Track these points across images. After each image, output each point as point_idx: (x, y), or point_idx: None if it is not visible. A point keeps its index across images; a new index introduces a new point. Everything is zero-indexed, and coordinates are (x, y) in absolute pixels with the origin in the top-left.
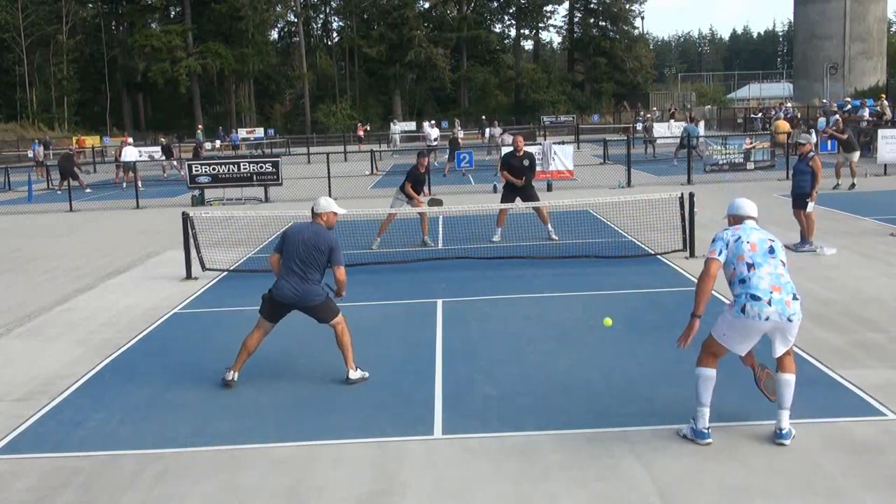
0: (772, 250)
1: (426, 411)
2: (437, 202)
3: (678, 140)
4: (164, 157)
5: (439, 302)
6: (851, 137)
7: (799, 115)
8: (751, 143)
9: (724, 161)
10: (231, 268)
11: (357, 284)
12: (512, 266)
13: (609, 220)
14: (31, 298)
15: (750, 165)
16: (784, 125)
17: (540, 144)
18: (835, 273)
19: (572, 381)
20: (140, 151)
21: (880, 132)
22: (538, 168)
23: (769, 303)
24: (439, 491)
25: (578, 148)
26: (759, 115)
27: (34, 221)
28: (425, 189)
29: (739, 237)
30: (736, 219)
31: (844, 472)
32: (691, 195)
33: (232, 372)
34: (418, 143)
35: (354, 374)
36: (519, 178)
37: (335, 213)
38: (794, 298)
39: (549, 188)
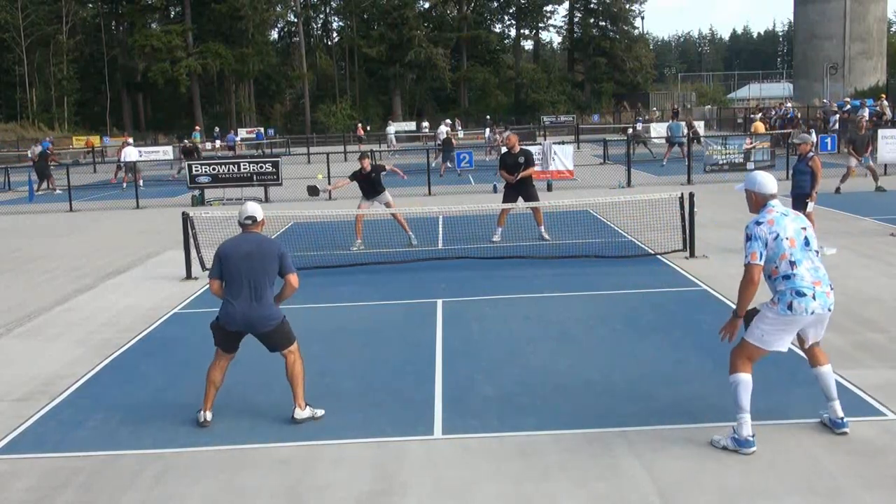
0: (807, 242)
1: (426, 411)
2: (314, 191)
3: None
4: (181, 158)
5: (439, 302)
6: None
7: (799, 115)
8: (751, 143)
9: (724, 161)
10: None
11: (357, 284)
12: (512, 266)
13: (609, 220)
14: (31, 298)
15: (750, 165)
16: (760, 126)
17: (540, 144)
18: (835, 273)
19: (572, 381)
20: (140, 151)
21: (880, 132)
22: (538, 168)
23: (814, 297)
24: (439, 491)
25: (578, 148)
26: (759, 115)
27: (34, 221)
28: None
29: (778, 235)
30: (759, 198)
31: (844, 472)
32: (691, 195)
33: (203, 412)
34: (418, 144)
35: (302, 413)
36: (512, 174)
37: (264, 220)
38: (831, 289)
39: (549, 188)
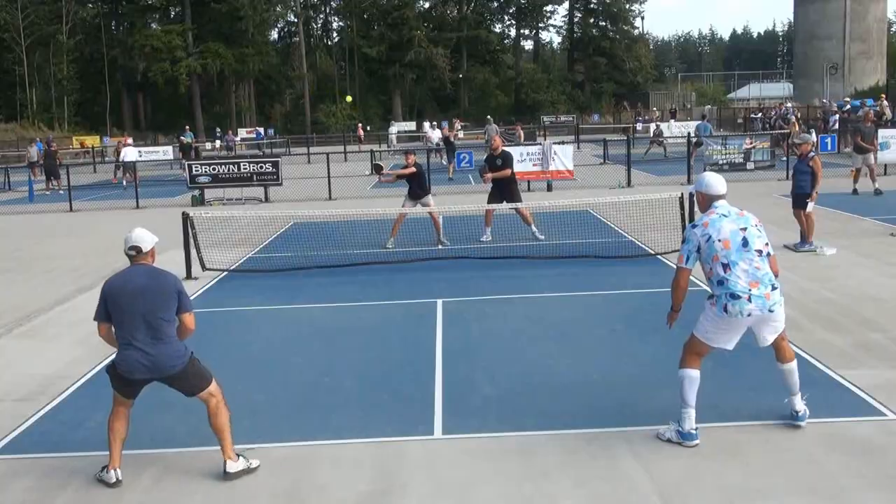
0: (745, 242)
1: (426, 411)
2: (378, 168)
3: (690, 140)
4: (180, 156)
5: (439, 302)
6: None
7: (799, 115)
8: (751, 143)
9: (724, 161)
10: (231, 268)
11: (357, 284)
12: (512, 266)
13: (609, 220)
14: (31, 298)
15: (750, 165)
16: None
17: (540, 144)
18: (835, 273)
19: (572, 381)
20: (140, 151)
21: (880, 132)
22: (539, 168)
23: (749, 300)
24: (439, 491)
25: (578, 148)
26: (759, 115)
27: (34, 221)
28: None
29: (710, 237)
30: (705, 198)
31: (845, 472)
32: (691, 195)
33: (111, 470)
34: (417, 144)
35: (234, 466)
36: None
37: (153, 249)
38: (773, 289)
39: (549, 188)
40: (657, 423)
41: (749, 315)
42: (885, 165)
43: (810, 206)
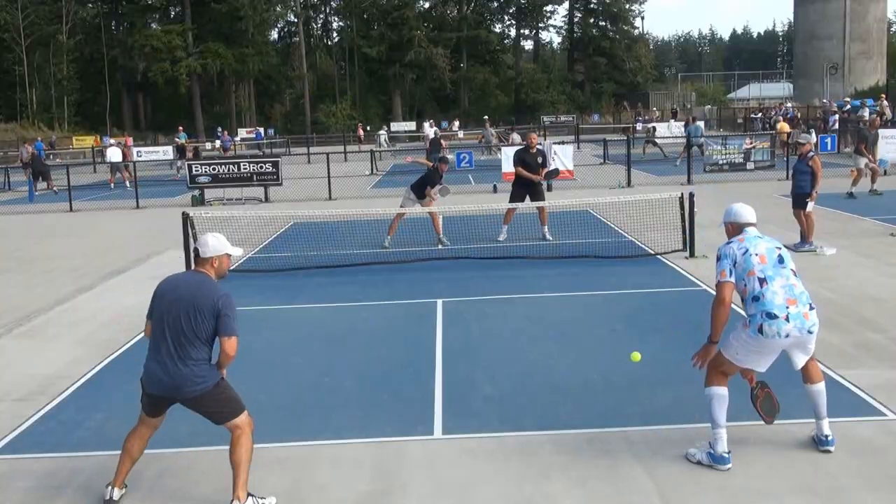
0: (781, 259)
1: (426, 411)
2: (446, 191)
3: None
4: (177, 156)
5: (439, 302)
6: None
7: (799, 115)
8: (751, 143)
9: (724, 161)
10: (231, 268)
11: (357, 284)
12: (512, 266)
13: (609, 220)
14: (31, 298)
15: (750, 165)
16: (786, 126)
17: (540, 144)
18: (835, 273)
19: (572, 381)
20: (139, 152)
21: (880, 132)
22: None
23: (787, 319)
24: (439, 491)
25: (578, 148)
26: (759, 115)
27: (34, 221)
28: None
29: (746, 250)
30: (735, 227)
31: (845, 472)
32: (691, 195)
33: (111, 489)
34: (417, 144)
35: None
36: (535, 174)
37: (229, 256)
38: (811, 309)
39: (549, 188)
40: (657, 423)
41: (787, 336)
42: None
43: (810, 206)
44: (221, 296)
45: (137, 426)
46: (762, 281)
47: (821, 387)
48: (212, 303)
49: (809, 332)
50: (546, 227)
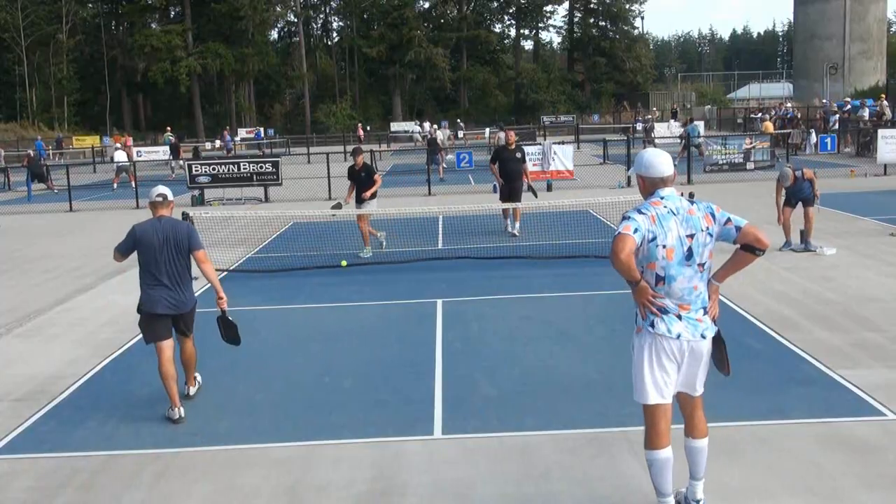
0: (689, 254)
1: (426, 411)
2: (338, 206)
3: (681, 140)
4: (171, 157)
5: (439, 302)
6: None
7: (799, 116)
8: (751, 143)
9: (724, 161)
10: (231, 268)
11: (357, 284)
12: (512, 266)
13: (609, 220)
14: (31, 298)
15: (750, 165)
16: (770, 126)
17: (540, 144)
18: (835, 273)
19: (572, 381)
20: (138, 152)
21: (880, 132)
22: (539, 168)
23: (679, 318)
24: (439, 491)
25: (578, 148)
26: (759, 115)
27: (34, 221)
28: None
29: (655, 238)
30: (649, 183)
31: (844, 472)
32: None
33: (176, 409)
34: (419, 144)
35: (194, 389)
36: (513, 170)
37: (173, 201)
38: (705, 313)
39: (549, 188)
40: None
41: (678, 337)
42: (885, 166)
43: (817, 203)
44: (187, 226)
45: (160, 355)
46: (660, 279)
47: (704, 443)
48: (185, 234)
49: (703, 337)
50: (518, 223)
